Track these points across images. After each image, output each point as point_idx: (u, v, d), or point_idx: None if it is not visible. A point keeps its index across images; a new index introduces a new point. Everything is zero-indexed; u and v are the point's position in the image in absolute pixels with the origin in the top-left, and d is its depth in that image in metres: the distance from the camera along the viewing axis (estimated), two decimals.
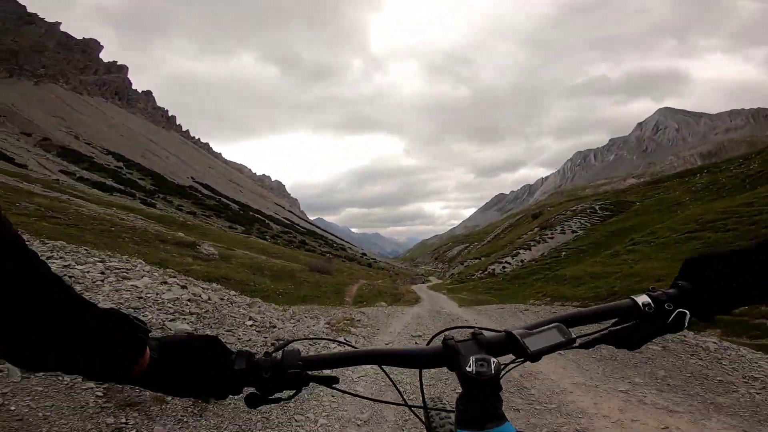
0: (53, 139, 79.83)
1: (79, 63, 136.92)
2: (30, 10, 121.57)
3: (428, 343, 0.69)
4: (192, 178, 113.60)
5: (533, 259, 34.63)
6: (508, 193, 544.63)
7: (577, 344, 0.63)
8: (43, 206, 14.65)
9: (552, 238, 38.55)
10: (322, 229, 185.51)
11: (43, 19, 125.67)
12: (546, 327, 0.63)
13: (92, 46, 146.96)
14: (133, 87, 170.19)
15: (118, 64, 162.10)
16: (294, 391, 0.60)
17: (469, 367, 0.56)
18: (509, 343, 0.62)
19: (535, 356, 0.59)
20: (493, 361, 0.57)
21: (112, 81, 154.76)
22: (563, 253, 29.46)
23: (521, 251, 38.79)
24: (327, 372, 0.63)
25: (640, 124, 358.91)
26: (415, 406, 0.77)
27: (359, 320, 8.57)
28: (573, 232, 37.92)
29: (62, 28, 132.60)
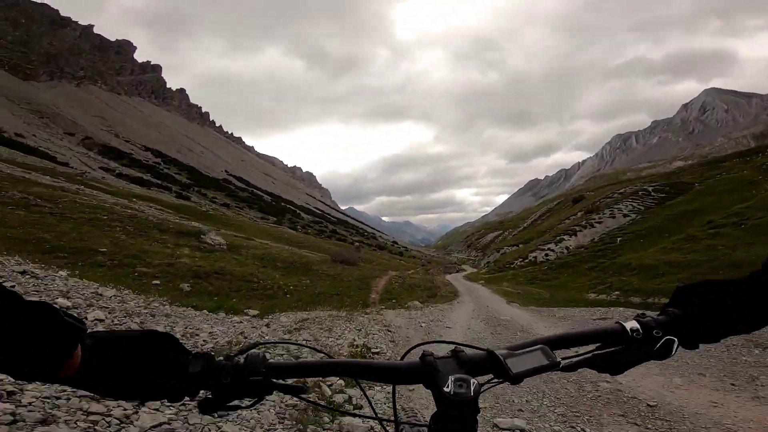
0: (95, 138, 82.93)
1: (114, 64, 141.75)
2: (62, 14, 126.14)
3: (402, 358, 0.67)
4: (226, 171, 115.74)
5: (581, 245, 32.00)
6: (542, 178, 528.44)
7: (559, 367, 0.61)
8: (34, 195, 14.16)
9: (600, 222, 35.61)
10: (354, 218, 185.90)
11: (76, 22, 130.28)
12: (530, 348, 0.61)
13: (126, 48, 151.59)
14: (167, 86, 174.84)
15: (152, 63, 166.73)
16: (254, 400, 0.57)
17: (447, 386, 0.54)
18: (491, 363, 0.60)
19: (517, 378, 0.57)
20: (473, 382, 0.54)
21: (148, 80, 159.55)
22: (618, 238, 26.73)
23: (565, 237, 36.12)
24: (295, 381, 0.60)
25: (685, 106, 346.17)
26: (386, 420, 0.74)
27: (378, 351, 5.96)
28: (625, 215, 34.82)
29: (95, 31, 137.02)
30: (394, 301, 14.17)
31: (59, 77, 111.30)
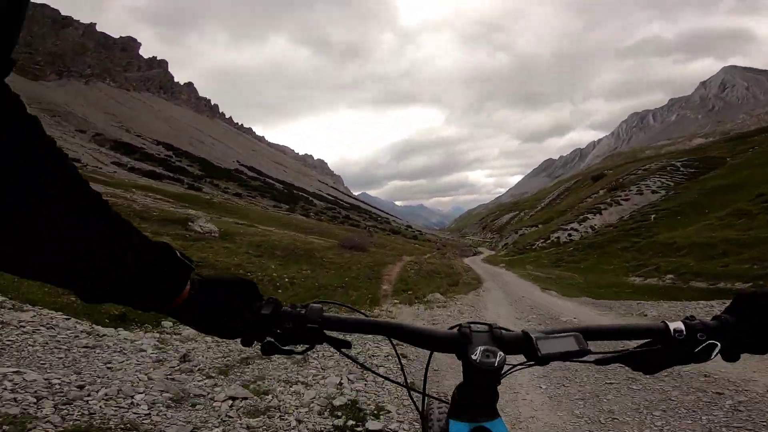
0: (106, 134, 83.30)
1: (121, 61, 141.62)
2: (64, 13, 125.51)
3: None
4: (237, 161, 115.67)
5: (608, 224, 30.52)
6: (557, 158, 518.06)
7: (592, 359, 0.63)
8: None
9: (627, 199, 33.97)
10: (367, 204, 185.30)
11: (78, 20, 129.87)
12: (564, 334, 0.62)
13: (131, 44, 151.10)
14: (175, 80, 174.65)
15: (158, 59, 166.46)
16: (308, 346, 0.63)
17: (475, 355, 0.57)
18: (523, 343, 0.62)
19: (544, 360, 0.59)
20: (500, 355, 0.57)
21: (155, 76, 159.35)
22: (652, 216, 25.15)
23: (589, 216, 34.60)
24: (341, 335, 0.65)
25: (703, 83, 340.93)
26: (415, 391, 0.76)
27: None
28: (653, 192, 33.13)
29: (98, 29, 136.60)
30: (409, 293, 12.25)
31: (67, 76, 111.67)
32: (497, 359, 0.56)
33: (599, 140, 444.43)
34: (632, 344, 0.65)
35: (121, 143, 79.86)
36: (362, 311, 0.72)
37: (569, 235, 33.16)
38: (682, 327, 0.61)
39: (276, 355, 0.56)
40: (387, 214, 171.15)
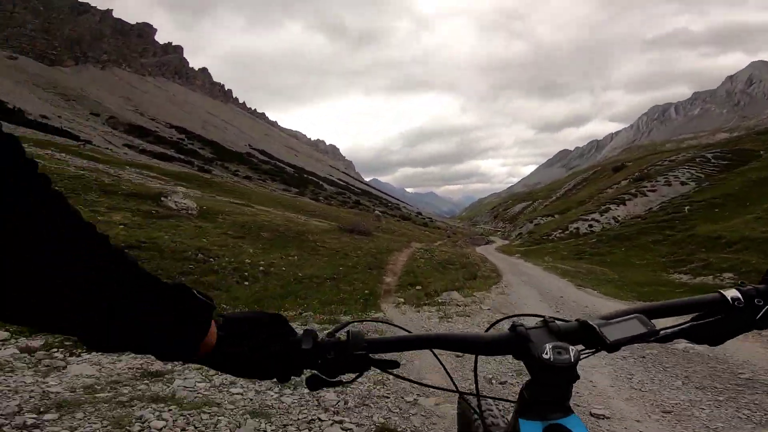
0: (119, 118, 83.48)
1: (137, 47, 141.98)
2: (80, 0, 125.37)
3: (487, 330, 0.67)
4: (249, 145, 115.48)
5: (635, 215, 29.04)
6: (572, 149, 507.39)
7: (654, 338, 0.61)
8: None
9: (654, 190, 32.35)
10: (378, 190, 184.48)
11: (95, 7, 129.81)
12: (626, 317, 0.60)
13: (147, 30, 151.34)
14: (190, 65, 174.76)
15: (173, 45, 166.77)
16: (356, 375, 0.59)
17: (546, 353, 0.54)
18: (583, 333, 0.60)
19: (614, 346, 0.57)
20: (572, 349, 0.55)
21: (170, 61, 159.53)
22: (686, 207, 23.68)
23: (612, 206, 33.11)
24: (387, 356, 0.61)
25: (730, 77, 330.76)
26: (466, 394, 0.74)
27: None
28: (683, 183, 31.45)
29: (114, 15, 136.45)
30: (418, 288, 9.74)
31: (84, 62, 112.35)
32: (572, 354, 0.54)
33: (617, 132, 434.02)
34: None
35: (134, 126, 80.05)
36: (399, 325, 0.67)
37: (590, 226, 31.77)
38: (739, 295, 0.60)
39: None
40: (397, 200, 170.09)
